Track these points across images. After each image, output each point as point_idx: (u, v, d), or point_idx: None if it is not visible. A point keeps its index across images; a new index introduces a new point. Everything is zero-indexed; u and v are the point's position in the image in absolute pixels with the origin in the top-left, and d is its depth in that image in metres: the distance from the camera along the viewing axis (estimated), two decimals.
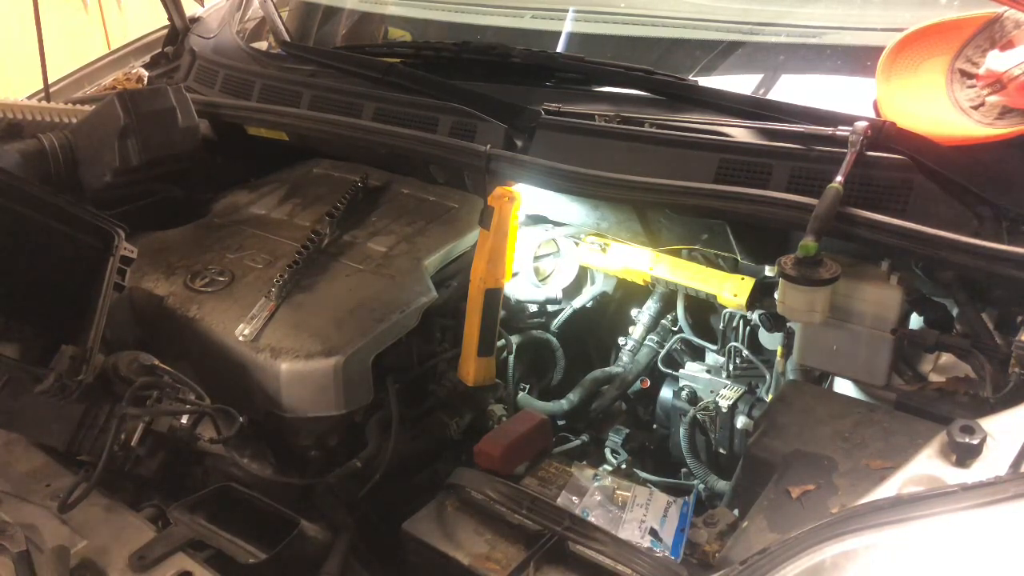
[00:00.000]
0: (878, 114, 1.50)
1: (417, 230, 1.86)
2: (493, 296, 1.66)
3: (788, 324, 1.74)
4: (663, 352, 2.07)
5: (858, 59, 1.67)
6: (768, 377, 1.88)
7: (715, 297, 1.82)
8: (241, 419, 1.42)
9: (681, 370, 2.02)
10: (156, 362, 1.44)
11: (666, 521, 1.43)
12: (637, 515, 1.44)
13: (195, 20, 2.65)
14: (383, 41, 2.64)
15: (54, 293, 1.50)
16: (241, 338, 1.59)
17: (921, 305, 1.50)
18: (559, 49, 2.12)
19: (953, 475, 0.96)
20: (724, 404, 1.87)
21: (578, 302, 2.13)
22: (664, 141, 1.65)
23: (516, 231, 1.68)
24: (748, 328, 1.90)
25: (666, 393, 2.06)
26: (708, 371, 2.00)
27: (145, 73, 2.51)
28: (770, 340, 1.86)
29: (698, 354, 2.06)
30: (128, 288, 1.58)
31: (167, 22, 2.61)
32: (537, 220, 2.00)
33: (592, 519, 1.40)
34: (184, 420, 1.43)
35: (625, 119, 1.71)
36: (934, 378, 1.53)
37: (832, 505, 1.19)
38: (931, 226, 1.33)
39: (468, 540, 1.33)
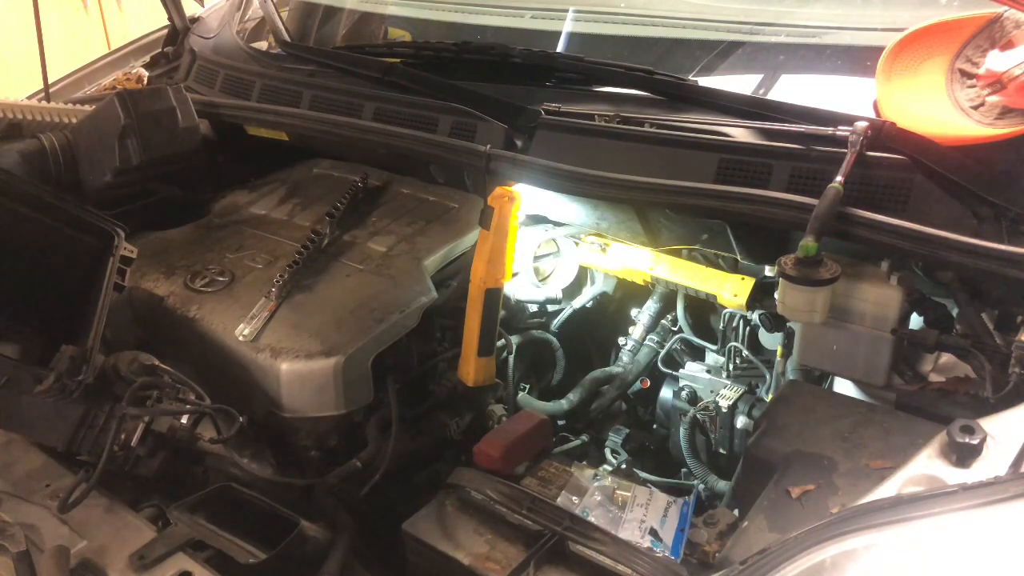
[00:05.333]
0: (878, 114, 1.50)
1: (417, 230, 1.87)
2: (493, 296, 1.66)
3: (788, 324, 1.74)
4: (663, 352, 2.07)
5: (858, 59, 1.67)
6: (768, 377, 1.88)
7: (715, 297, 1.82)
8: (241, 419, 1.42)
9: (681, 370, 2.02)
10: (156, 362, 1.44)
11: (666, 521, 1.43)
12: (637, 515, 1.44)
13: (195, 20, 2.65)
14: (383, 41, 2.64)
15: (54, 293, 1.50)
16: (241, 338, 1.59)
17: (921, 305, 1.50)
18: (559, 49, 2.12)
19: (953, 475, 0.96)
20: (724, 404, 1.87)
21: (578, 302, 2.14)
22: (664, 141, 1.65)
23: (516, 231, 1.68)
24: (748, 328, 1.90)
25: (666, 393, 2.06)
26: (708, 371, 2.00)
27: (145, 73, 2.52)
28: (770, 340, 1.86)
29: (698, 354, 2.06)
30: (128, 288, 1.58)
31: (167, 22, 2.61)
32: (537, 220, 2.00)
33: (592, 519, 1.40)
34: (184, 420, 1.43)
35: (625, 119, 1.71)
36: (934, 378, 1.53)
37: (832, 505, 1.19)
38: (931, 226, 1.33)
39: (468, 540, 1.33)
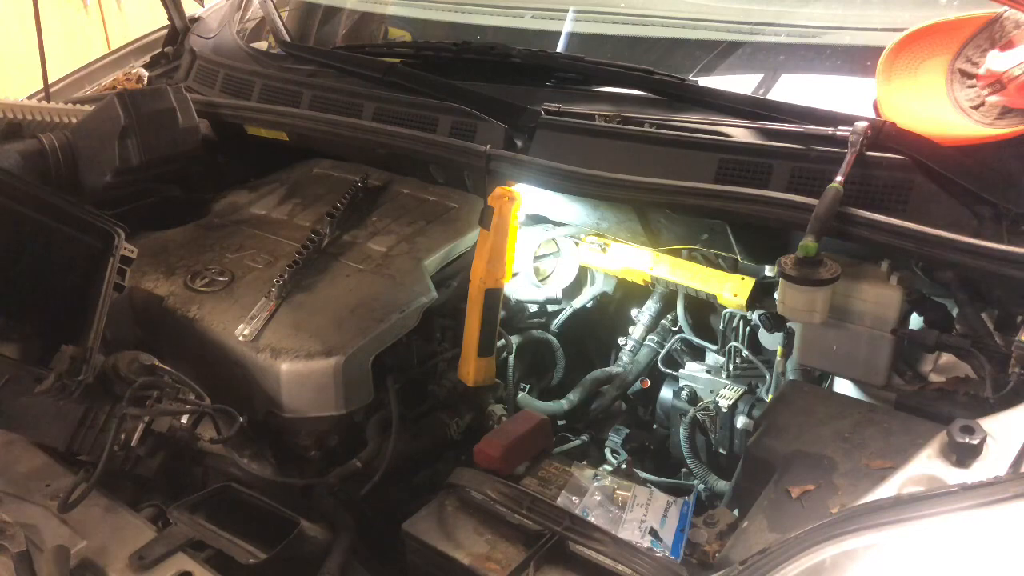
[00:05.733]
0: (878, 114, 1.50)
1: (417, 230, 1.86)
2: (493, 296, 1.66)
3: (788, 324, 1.74)
4: (663, 352, 2.07)
5: (858, 59, 1.68)
6: (768, 377, 1.88)
7: (715, 297, 1.82)
8: (241, 419, 1.42)
9: (681, 370, 2.02)
10: (156, 362, 1.44)
11: (666, 521, 1.43)
12: (637, 515, 1.44)
13: (195, 20, 2.65)
14: (383, 41, 2.64)
15: (54, 293, 1.50)
16: (241, 338, 1.59)
17: (921, 305, 1.50)
18: (559, 49, 2.12)
19: (953, 475, 0.96)
20: (724, 404, 1.87)
21: (578, 302, 2.14)
22: (664, 141, 1.65)
23: (516, 231, 1.68)
24: (748, 328, 1.90)
25: (666, 393, 2.06)
26: (708, 371, 2.00)
27: (145, 73, 2.52)
28: (770, 340, 1.86)
29: (698, 354, 2.06)
30: (128, 288, 1.58)
31: (167, 22, 2.61)
32: (537, 220, 2.00)
33: (592, 519, 1.40)
34: (184, 420, 1.43)
35: (625, 119, 1.71)
36: (934, 378, 1.53)
37: (832, 505, 1.19)
38: (931, 226, 1.33)
39: (468, 540, 1.33)
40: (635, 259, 1.93)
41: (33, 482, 1.32)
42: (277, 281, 1.68)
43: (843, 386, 1.61)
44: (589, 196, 1.73)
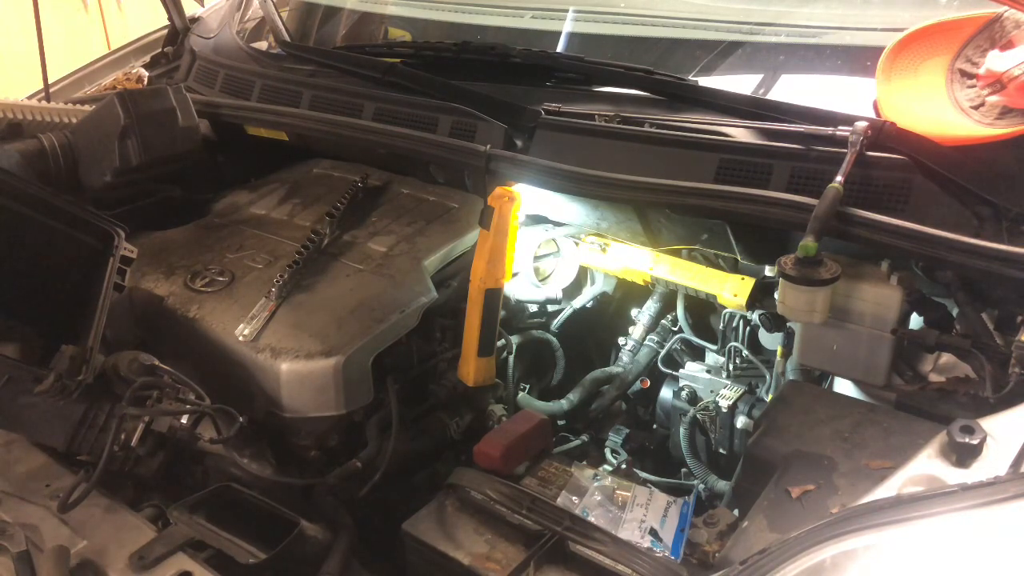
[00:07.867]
0: (878, 114, 1.50)
1: (417, 230, 1.86)
2: (493, 296, 1.66)
3: (788, 324, 1.74)
4: (663, 352, 2.07)
5: (858, 59, 1.68)
6: (768, 377, 1.88)
7: (715, 297, 1.82)
8: (241, 419, 1.42)
9: (681, 370, 2.02)
10: (156, 362, 1.44)
11: (666, 521, 1.43)
12: (637, 515, 1.44)
13: (195, 20, 2.65)
14: (383, 41, 2.64)
15: (54, 293, 1.50)
16: (241, 338, 1.59)
17: (921, 305, 1.50)
18: (559, 49, 2.12)
19: (953, 475, 0.96)
20: (724, 404, 1.87)
21: (578, 302, 2.14)
22: (664, 141, 1.65)
23: (516, 231, 1.68)
24: (748, 328, 1.90)
25: (666, 393, 2.06)
26: (708, 371, 2.00)
27: (145, 73, 2.52)
28: (770, 340, 1.86)
29: (698, 354, 2.06)
30: (128, 288, 1.58)
31: (167, 22, 2.62)
32: (537, 220, 2.00)
33: (592, 519, 1.40)
34: (184, 420, 1.43)
35: (625, 119, 1.71)
36: (934, 378, 1.53)
37: (832, 505, 1.19)
38: (931, 226, 1.33)
39: (468, 540, 1.33)
40: (635, 259, 1.93)
41: (33, 482, 1.33)
42: (277, 281, 1.68)
43: (843, 386, 1.61)
44: (589, 196, 1.73)
